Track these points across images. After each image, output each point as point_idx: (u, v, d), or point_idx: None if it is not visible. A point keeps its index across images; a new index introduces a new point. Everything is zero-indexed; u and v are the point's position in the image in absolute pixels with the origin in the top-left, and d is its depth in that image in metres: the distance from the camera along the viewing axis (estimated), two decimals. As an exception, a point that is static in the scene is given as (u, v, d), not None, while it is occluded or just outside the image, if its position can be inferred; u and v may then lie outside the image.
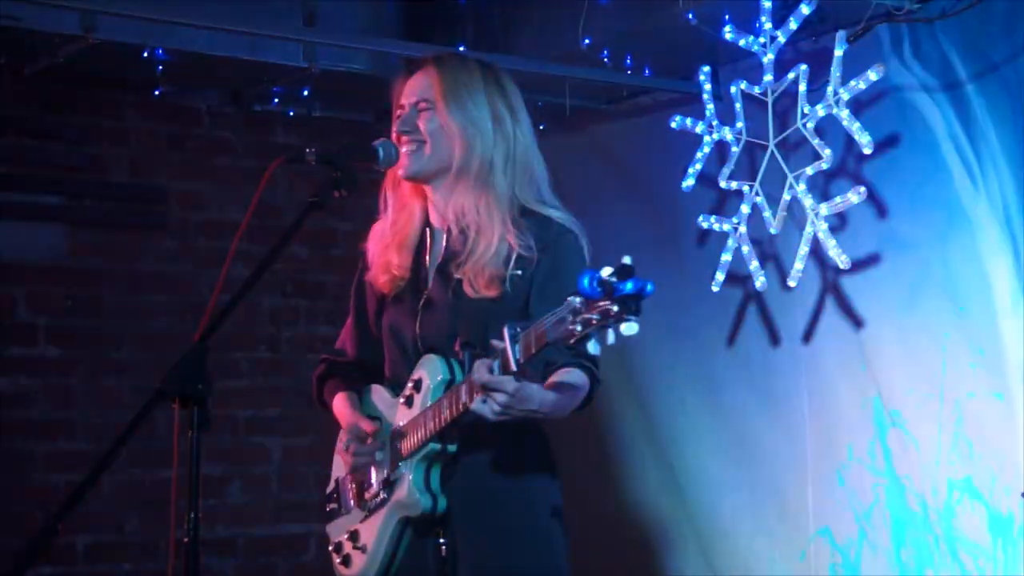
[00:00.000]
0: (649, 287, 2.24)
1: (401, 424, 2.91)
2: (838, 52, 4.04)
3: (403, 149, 2.94)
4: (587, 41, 4.48)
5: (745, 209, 4.39)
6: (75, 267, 4.91)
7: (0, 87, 4.69)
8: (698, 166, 4.51)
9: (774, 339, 4.54)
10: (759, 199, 4.35)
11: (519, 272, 2.87)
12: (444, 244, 2.98)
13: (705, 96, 4.49)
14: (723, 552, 4.70)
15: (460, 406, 2.70)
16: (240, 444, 5.15)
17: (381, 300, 3.06)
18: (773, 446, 4.55)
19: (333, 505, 3.12)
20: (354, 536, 2.99)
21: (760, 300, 4.55)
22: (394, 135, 2.96)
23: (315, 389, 3.19)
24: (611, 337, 2.28)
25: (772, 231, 4.31)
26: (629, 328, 2.26)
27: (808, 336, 4.41)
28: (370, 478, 2.98)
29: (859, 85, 4.01)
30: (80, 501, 2.31)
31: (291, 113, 5.19)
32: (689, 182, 4.53)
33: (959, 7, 3.92)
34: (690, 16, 4.24)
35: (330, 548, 3.09)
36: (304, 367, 5.33)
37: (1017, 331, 3.82)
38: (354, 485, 3.04)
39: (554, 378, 2.76)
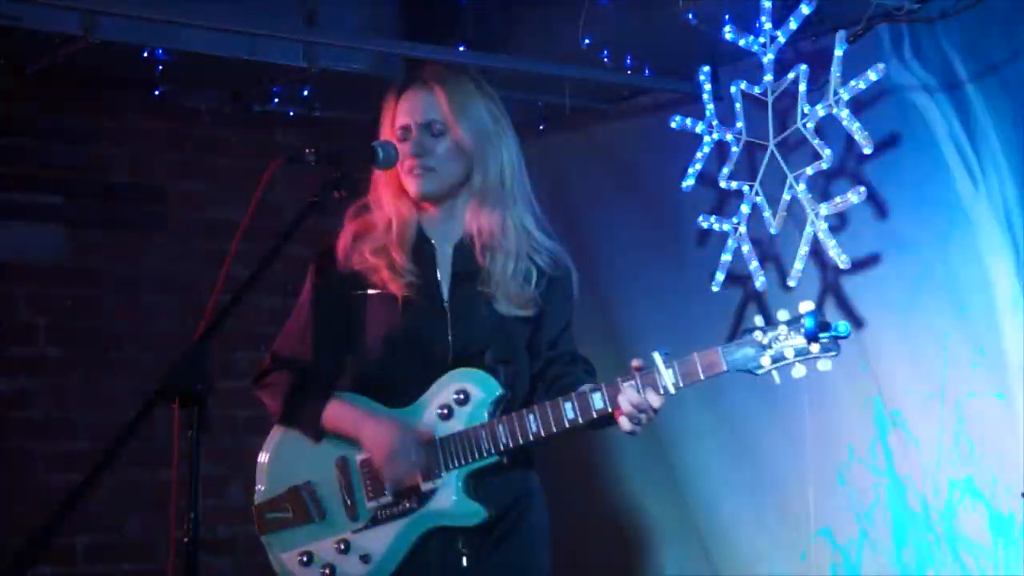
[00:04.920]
0: (849, 330, 2.71)
1: (442, 435, 2.89)
2: (838, 52, 4.04)
3: (415, 171, 2.95)
4: (587, 41, 4.48)
5: (745, 209, 4.39)
6: (75, 267, 4.91)
7: (0, 87, 4.70)
8: (698, 166, 4.51)
9: (774, 339, 4.53)
10: (759, 199, 4.35)
11: (539, 292, 2.96)
12: (452, 256, 3.00)
13: (705, 96, 4.48)
14: (723, 552, 4.70)
15: (565, 423, 2.79)
16: (240, 444, 5.13)
17: (366, 301, 3.00)
18: (773, 446, 4.55)
19: (281, 514, 3.01)
20: (346, 546, 2.95)
21: (760, 300, 4.55)
22: (403, 157, 2.95)
23: (282, 407, 3.03)
24: (801, 371, 2.70)
25: (772, 231, 4.31)
26: (825, 364, 2.71)
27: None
28: (379, 488, 2.94)
29: (859, 85, 4.01)
30: (80, 501, 2.31)
31: (291, 113, 5.19)
32: (689, 182, 4.53)
33: (959, 7, 3.92)
34: (690, 16, 4.23)
35: (296, 559, 2.97)
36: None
37: (1018, 331, 3.82)
38: (344, 493, 2.96)
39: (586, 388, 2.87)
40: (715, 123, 4.45)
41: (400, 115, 2.99)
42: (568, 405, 2.76)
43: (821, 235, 4.16)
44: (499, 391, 2.87)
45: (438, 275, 2.99)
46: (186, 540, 2.35)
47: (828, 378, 4.34)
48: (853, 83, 4.01)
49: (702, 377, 2.68)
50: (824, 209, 4.14)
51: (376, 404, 2.97)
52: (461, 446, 2.87)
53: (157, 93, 4.88)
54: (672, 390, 2.68)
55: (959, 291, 3.97)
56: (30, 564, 2.22)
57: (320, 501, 2.98)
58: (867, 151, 4.03)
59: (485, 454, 2.84)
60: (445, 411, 2.89)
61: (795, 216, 4.28)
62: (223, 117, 5.19)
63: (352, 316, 3.01)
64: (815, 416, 4.41)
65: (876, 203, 4.16)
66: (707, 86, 4.49)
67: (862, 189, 4.05)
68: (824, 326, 2.65)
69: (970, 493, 3.93)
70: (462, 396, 2.88)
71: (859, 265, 4.18)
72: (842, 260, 4.12)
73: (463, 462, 2.86)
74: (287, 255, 2.65)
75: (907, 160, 4.10)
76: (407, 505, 2.90)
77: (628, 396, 2.73)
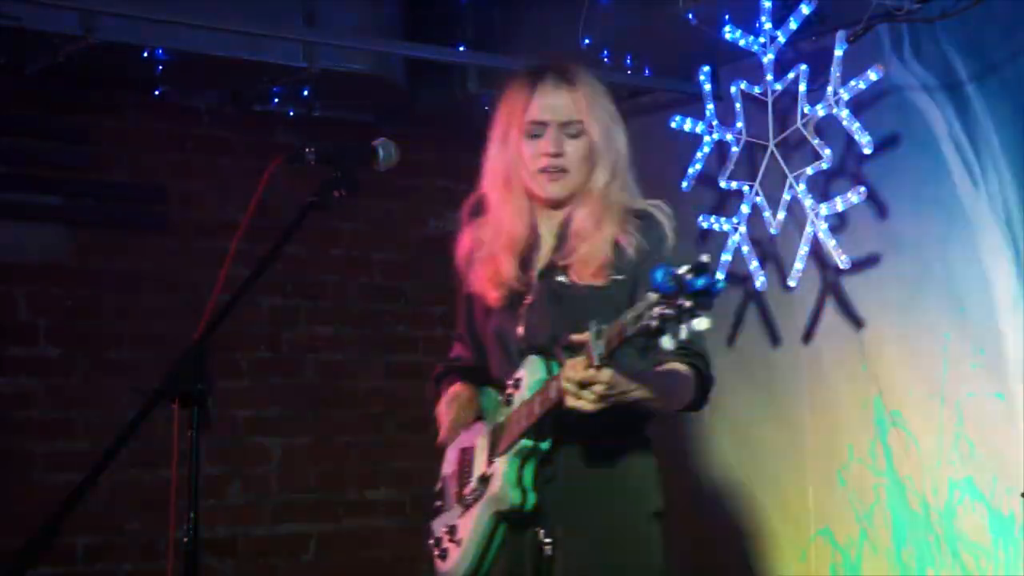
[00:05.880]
0: (719, 284, 2.31)
1: (500, 421, 2.96)
2: (838, 52, 4.04)
3: (549, 172, 2.94)
4: (587, 41, 4.48)
5: (745, 209, 4.39)
6: (75, 267, 4.91)
7: (0, 87, 4.69)
8: (698, 166, 4.52)
9: (774, 339, 4.54)
10: (759, 199, 4.35)
11: (623, 269, 2.90)
12: (551, 247, 2.99)
13: (705, 96, 4.49)
14: (723, 552, 4.70)
15: (548, 403, 2.74)
16: (240, 444, 5.15)
17: (488, 306, 3.07)
18: (773, 446, 4.55)
19: (439, 502, 3.16)
20: (452, 530, 3.04)
21: (760, 300, 4.55)
22: (536, 155, 2.94)
23: (433, 389, 3.22)
24: (684, 332, 2.33)
25: (772, 231, 4.31)
26: (700, 323, 2.31)
27: (808, 336, 4.41)
28: (470, 474, 3.03)
29: (859, 85, 4.01)
30: (80, 501, 2.31)
31: (291, 113, 5.19)
32: (689, 182, 4.53)
33: (959, 7, 3.91)
34: (690, 16, 4.24)
35: (430, 543, 3.12)
36: (304, 367, 5.34)
37: (1017, 331, 3.82)
38: (456, 482, 3.08)
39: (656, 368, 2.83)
40: (715, 123, 4.45)
41: (535, 110, 2.95)
42: (553, 384, 2.75)
43: (821, 235, 4.16)
44: (540, 374, 2.86)
45: (534, 271, 3.01)
46: (186, 540, 2.35)
47: (828, 378, 4.39)
48: (853, 83, 4.01)
49: (615, 345, 2.52)
50: (824, 209, 4.15)
51: (486, 398, 3.08)
52: (502, 431, 2.93)
53: (157, 93, 4.88)
54: (597, 360, 2.56)
55: (959, 291, 3.97)
56: (30, 564, 2.22)
57: (452, 489, 3.11)
58: (867, 151, 4.03)
59: (516, 437, 2.87)
60: (505, 399, 2.96)
61: (795, 216, 4.28)
62: (223, 117, 5.18)
63: (484, 323, 3.11)
64: (815, 416, 4.41)
65: (876, 203, 4.16)
66: (707, 86, 4.49)
67: (862, 189, 4.05)
68: (677, 279, 2.30)
69: (970, 493, 3.93)
70: (516, 382, 2.93)
71: (859, 265, 4.18)
72: (842, 260, 4.12)
73: (504, 447, 2.90)
74: (287, 255, 2.65)
75: (907, 160, 4.10)
76: (479, 490, 2.96)
77: (572, 372, 2.67)
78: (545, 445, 2.86)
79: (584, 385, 2.62)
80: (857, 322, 4.25)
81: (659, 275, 2.31)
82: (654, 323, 2.35)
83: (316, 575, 5.27)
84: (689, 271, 2.30)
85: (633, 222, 2.94)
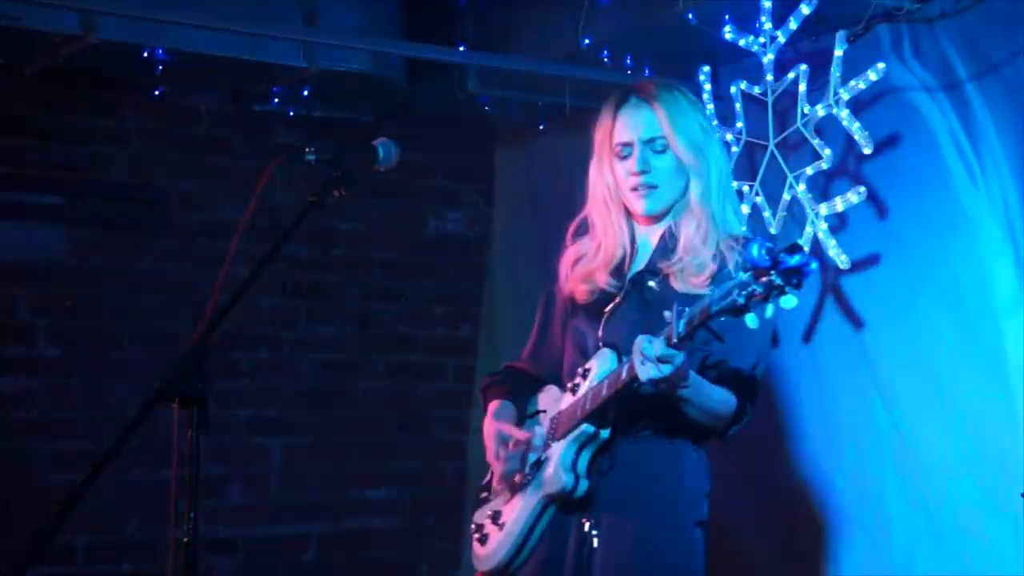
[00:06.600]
0: (814, 264, 2.37)
1: (562, 408, 2.99)
2: (838, 52, 4.04)
3: (640, 190, 3.02)
4: (587, 41, 4.48)
5: (745, 209, 4.39)
6: (75, 267, 4.92)
7: (0, 87, 4.70)
8: (698, 166, 4.51)
9: (774, 339, 4.53)
10: (759, 199, 4.35)
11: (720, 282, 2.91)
12: (650, 255, 3.05)
13: (705, 96, 4.48)
14: (723, 553, 4.70)
15: (617, 383, 2.78)
16: (240, 444, 5.15)
17: (571, 308, 3.12)
18: (773, 446, 4.55)
19: (485, 493, 3.19)
20: (496, 515, 3.07)
21: (760, 300, 4.55)
22: (626, 174, 3.03)
23: (483, 401, 3.28)
24: (770, 310, 2.40)
25: (772, 231, 4.31)
26: (788, 301, 2.38)
27: (808, 336, 4.41)
28: (524, 462, 3.05)
29: (859, 85, 4.01)
30: (80, 501, 2.31)
31: (291, 113, 5.20)
32: (689, 182, 4.54)
33: (959, 7, 3.92)
34: (690, 16, 4.24)
35: (471, 529, 3.15)
36: (304, 367, 5.34)
37: (1017, 331, 3.82)
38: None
39: None
40: (715, 123, 4.45)
41: (620, 133, 3.06)
42: (624, 367, 2.79)
43: (821, 235, 4.16)
44: (610, 365, 2.89)
45: (627, 276, 3.06)
46: (186, 540, 2.35)
47: (828, 378, 4.39)
48: (853, 83, 4.01)
49: (696, 322, 2.58)
50: (824, 209, 4.14)
51: (544, 396, 3.14)
52: (563, 418, 2.96)
53: (157, 93, 4.89)
54: (675, 339, 2.63)
55: (959, 291, 3.96)
56: (30, 564, 2.22)
57: (495, 479, 3.15)
58: (867, 151, 4.03)
59: (577, 421, 2.89)
60: (571, 388, 3.00)
61: (795, 216, 4.28)
62: (223, 117, 5.19)
63: (564, 325, 3.17)
64: (815, 416, 4.41)
65: (876, 203, 4.16)
66: (707, 86, 4.49)
67: (862, 189, 4.05)
68: (772, 253, 2.37)
69: (970, 493, 3.93)
70: (585, 372, 2.97)
71: (859, 265, 4.18)
72: (842, 260, 4.12)
73: (564, 431, 2.93)
74: (287, 255, 2.66)
75: (907, 160, 4.10)
76: (531, 475, 2.99)
77: (641, 346, 2.72)
78: (605, 433, 2.90)
79: (646, 357, 2.67)
80: (857, 322, 4.25)
81: (754, 249, 2.37)
82: (741, 300, 2.41)
83: (316, 575, 5.27)
84: (784, 249, 2.36)
85: (739, 240, 2.98)
